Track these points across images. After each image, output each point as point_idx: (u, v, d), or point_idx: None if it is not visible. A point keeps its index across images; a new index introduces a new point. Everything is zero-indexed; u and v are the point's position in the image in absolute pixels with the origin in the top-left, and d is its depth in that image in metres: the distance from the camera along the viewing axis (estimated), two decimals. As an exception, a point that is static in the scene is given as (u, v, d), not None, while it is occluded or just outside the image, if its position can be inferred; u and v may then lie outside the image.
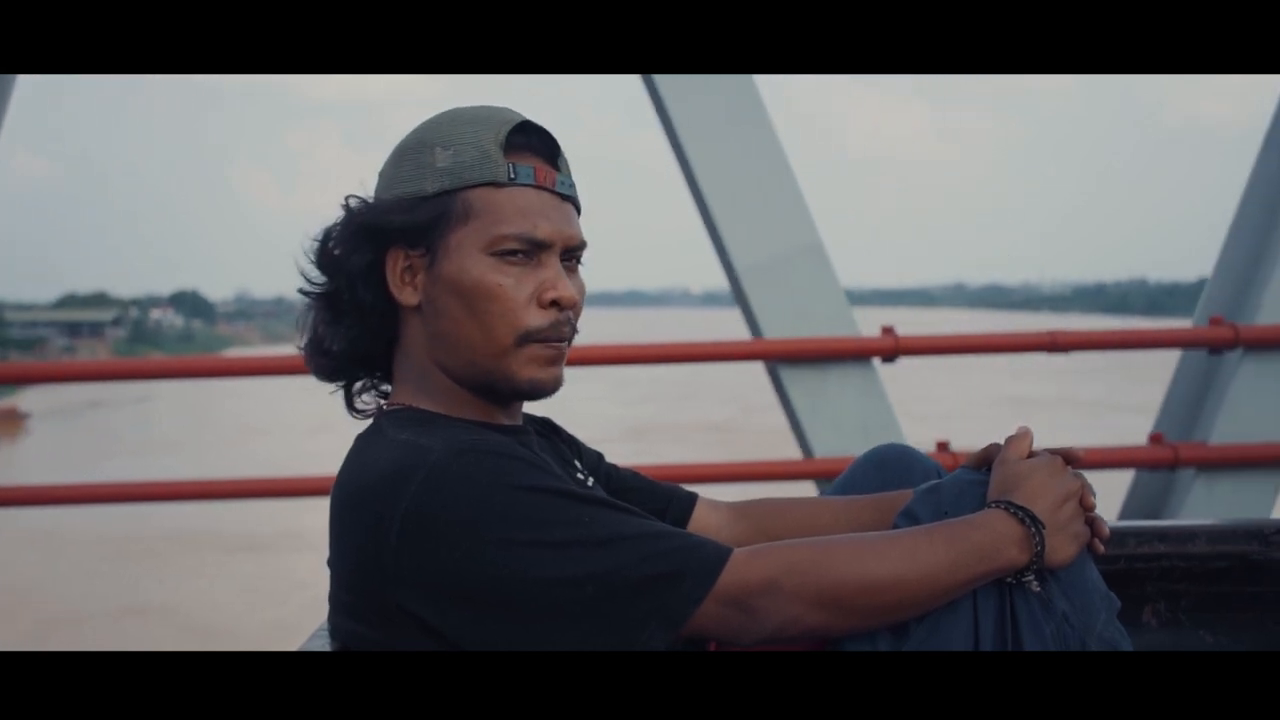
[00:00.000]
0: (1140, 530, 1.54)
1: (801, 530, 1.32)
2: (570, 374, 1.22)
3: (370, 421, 1.20)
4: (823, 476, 3.17)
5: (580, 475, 1.29)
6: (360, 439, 1.16)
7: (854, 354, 3.20)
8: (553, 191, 1.16)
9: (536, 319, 1.14)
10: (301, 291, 1.19)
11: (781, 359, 3.22)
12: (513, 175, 1.14)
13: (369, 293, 1.16)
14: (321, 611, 1.18)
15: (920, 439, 2.36)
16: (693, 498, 1.40)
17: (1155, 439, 3.33)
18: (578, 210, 1.21)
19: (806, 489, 3.19)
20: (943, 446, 3.14)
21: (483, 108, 1.18)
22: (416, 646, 1.06)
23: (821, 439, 3.21)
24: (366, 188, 1.19)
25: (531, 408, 1.27)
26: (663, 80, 3.19)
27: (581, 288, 1.20)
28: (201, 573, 13.26)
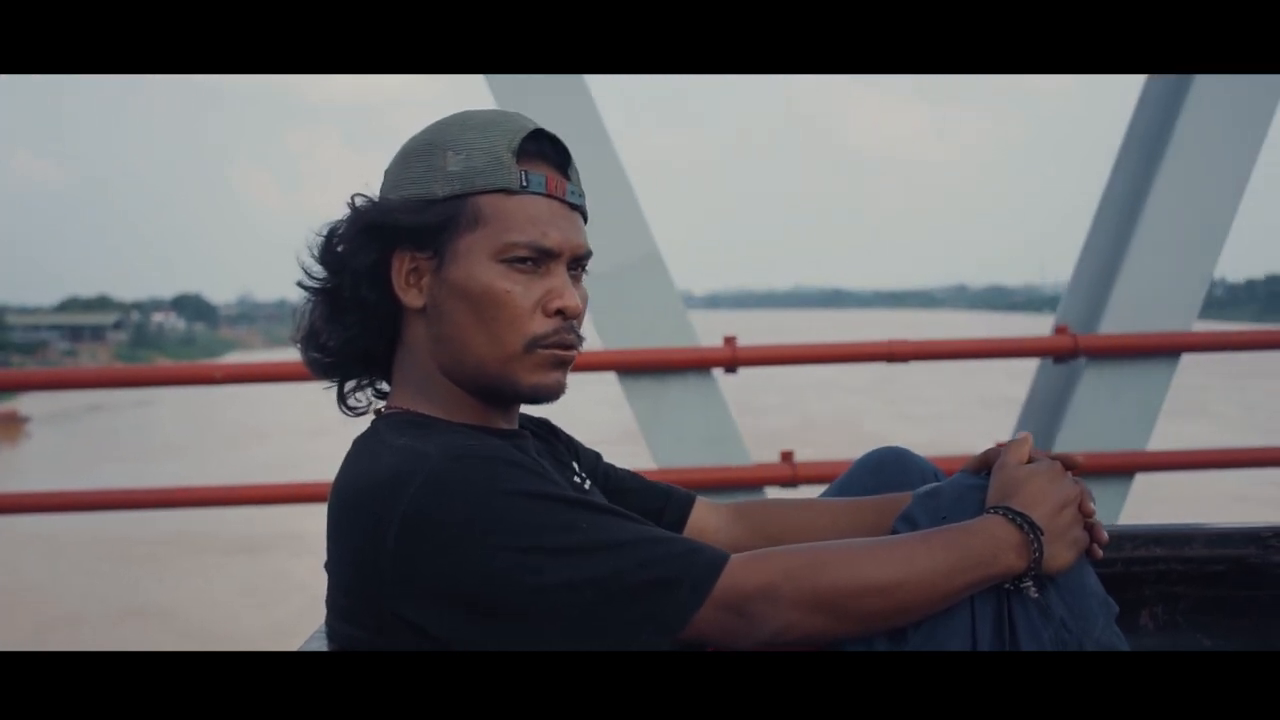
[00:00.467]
0: (1138, 533, 1.54)
1: (800, 532, 1.32)
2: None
3: (367, 425, 1.20)
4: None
5: (578, 478, 1.29)
6: (357, 443, 1.16)
7: (694, 364, 3.18)
8: (562, 200, 1.17)
9: (542, 326, 1.14)
10: (302, 286, 1.19)
11: (622, 369, 3.19)
12: (524, 183, 1.14)
13: (372, 292, 1.16)
14: (319, 614, 1.18)
15: (914, 441, 2.36)
16: (690, 498, 1.40)
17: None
18: (585, 219, 1.21)
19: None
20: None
21: (495, 112, 1.18)
22: (413, 650, 1.05)
23: (664, 449, 3.19)
24: (370, 188, 1.19)
25: (529, 409, 1.27)
26: (494, 81, 3.10)
27: (585, 296, 1.20)
28: (200, 575, 13.26)
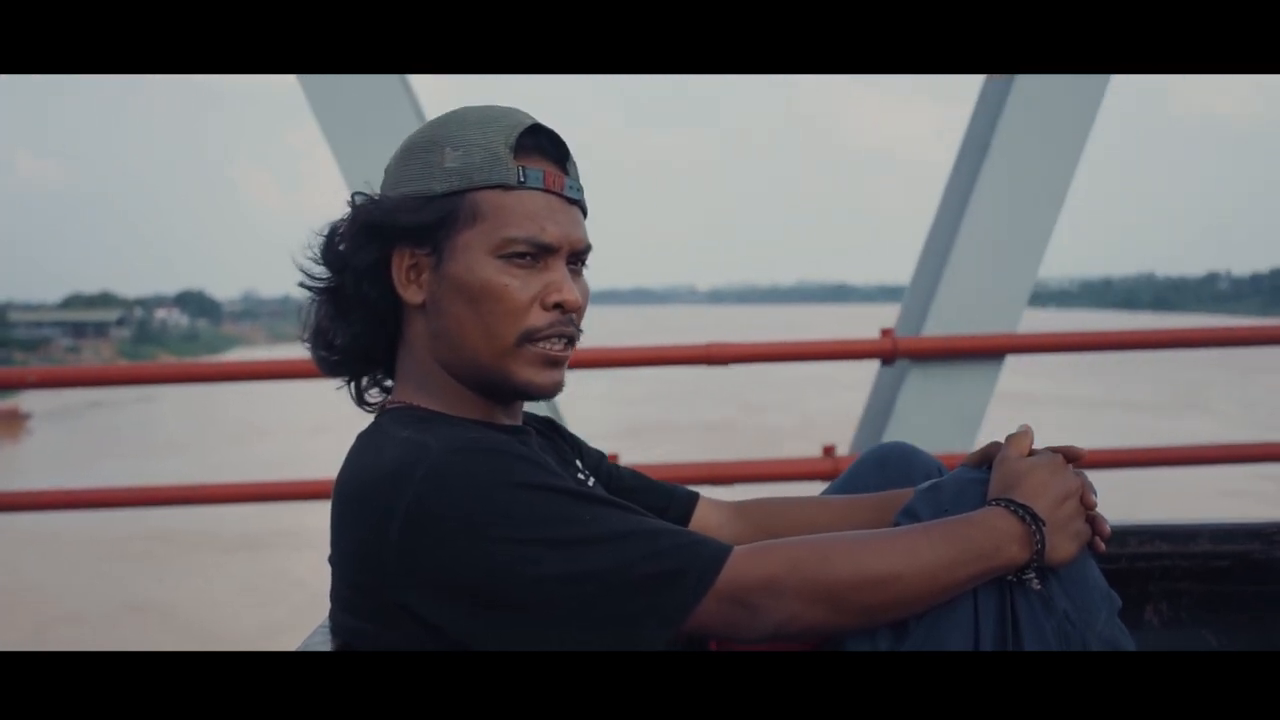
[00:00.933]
0: (1142, 529, 1.54)
1: (802, 529, 1.31)
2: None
3: (370, 419, 1.20)
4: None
5: (581, 475, 1.30)
6: (361, 437, 1.17)
7: None
8: (560, 195, 1.17)
9: (538, 320, 1.14)
10: (305, 286, 1.20)
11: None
12: (522, 178, 1.14)
13: (374, 290, 1.16)
14: (319, 610, 1.18)
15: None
16: (694, 496, 1.40)
17: (828, 450, 3.27)
18: (584, 213, 1.21)
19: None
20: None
21: (492, 108, 1.18)
22: (416, 643, 1.06)
23: None
24: (372, 186, 1.19)
25: (533, 407, 1.27)
26: (308, 81, 3.04)
27: (586, 290, 1.20)
28: (200, 572, 13.28)
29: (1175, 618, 1.55)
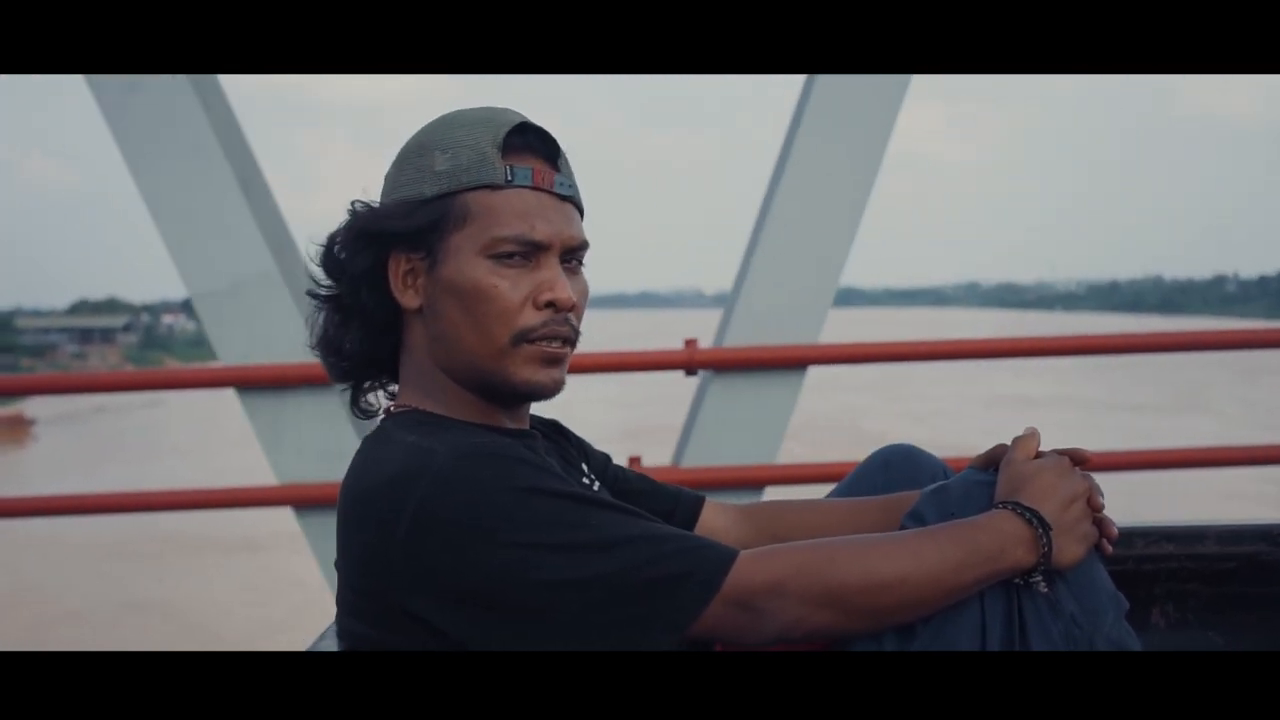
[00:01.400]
0: (1149, 531, 1.54)
1: (808, 532, 1.31)
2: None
3: (376, 424, 1.20)
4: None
5: (586, 479, 1.29)
6: (367, 441, 1.17)
7: (320, 380, 3.03)
8: (551, 192, 1.16)
9: (532, 319, 1.14)
10: (310, 294, 1.20)
11: (240, 385, 3.11)
12: (510, 177, 1.14)
13: (372, 296, 1.17)
14: (318, 611, 1.18)
15: (918, 438, 2.35)
16: (699, 500, 1.40)
17: (633, 461, 3.19)
18: (579, 211, 1.20)
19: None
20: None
21: (483, 109, 1.18)
22: (421, 647, 1.06)
23: (286, 465, 3.12)
24: (373, 192, 1.20)
25: (539, 409, 1.27)
26: (95, 81, 2.98)
27: (583, 289, 1.19)
28: (200, 573, 13.30)
29: (1182, 619, 1.55)
